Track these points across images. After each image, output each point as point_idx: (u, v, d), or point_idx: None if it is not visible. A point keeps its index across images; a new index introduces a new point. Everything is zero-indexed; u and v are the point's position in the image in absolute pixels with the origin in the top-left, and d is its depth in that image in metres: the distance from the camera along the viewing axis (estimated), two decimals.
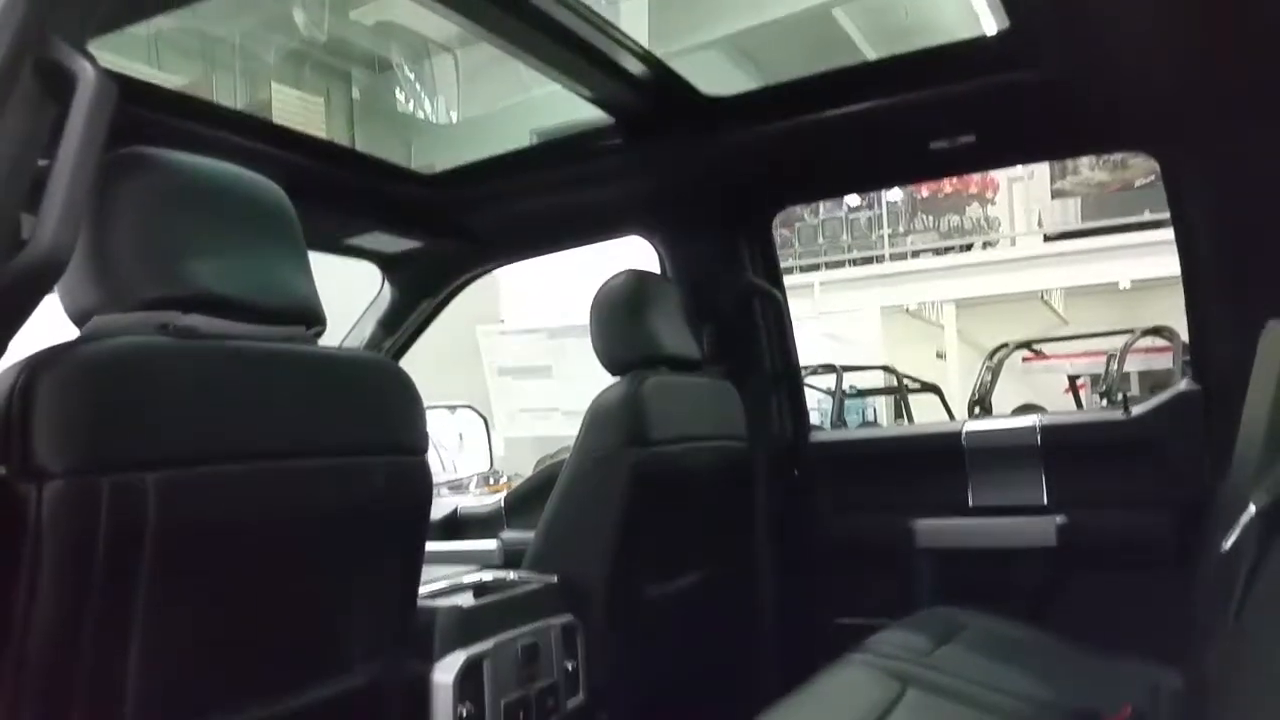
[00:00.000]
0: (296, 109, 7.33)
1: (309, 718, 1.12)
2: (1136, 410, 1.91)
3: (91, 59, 0.85)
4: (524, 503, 2.44)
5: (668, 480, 1.75)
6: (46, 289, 0.85)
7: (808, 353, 2.39)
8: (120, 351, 0.93)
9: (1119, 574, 1.86)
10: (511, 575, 1.67)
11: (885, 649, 1.54)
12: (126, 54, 5.00)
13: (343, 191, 2.06)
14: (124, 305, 0.98)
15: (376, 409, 1.20)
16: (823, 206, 10.67)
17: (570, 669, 1.57)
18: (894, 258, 10.59)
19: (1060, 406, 6.85)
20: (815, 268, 10.44)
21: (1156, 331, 5.87)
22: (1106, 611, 1.82)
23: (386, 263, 2.52)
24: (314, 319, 1.16)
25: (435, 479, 2.71)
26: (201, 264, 1.02)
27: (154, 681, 0.94)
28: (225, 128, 1.71)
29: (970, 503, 2.01)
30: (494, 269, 2.66)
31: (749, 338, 2.22)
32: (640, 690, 1.71)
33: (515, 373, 6.73)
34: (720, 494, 1.98)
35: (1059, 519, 1.89)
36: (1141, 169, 9.41)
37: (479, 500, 2.66)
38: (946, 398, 6.55)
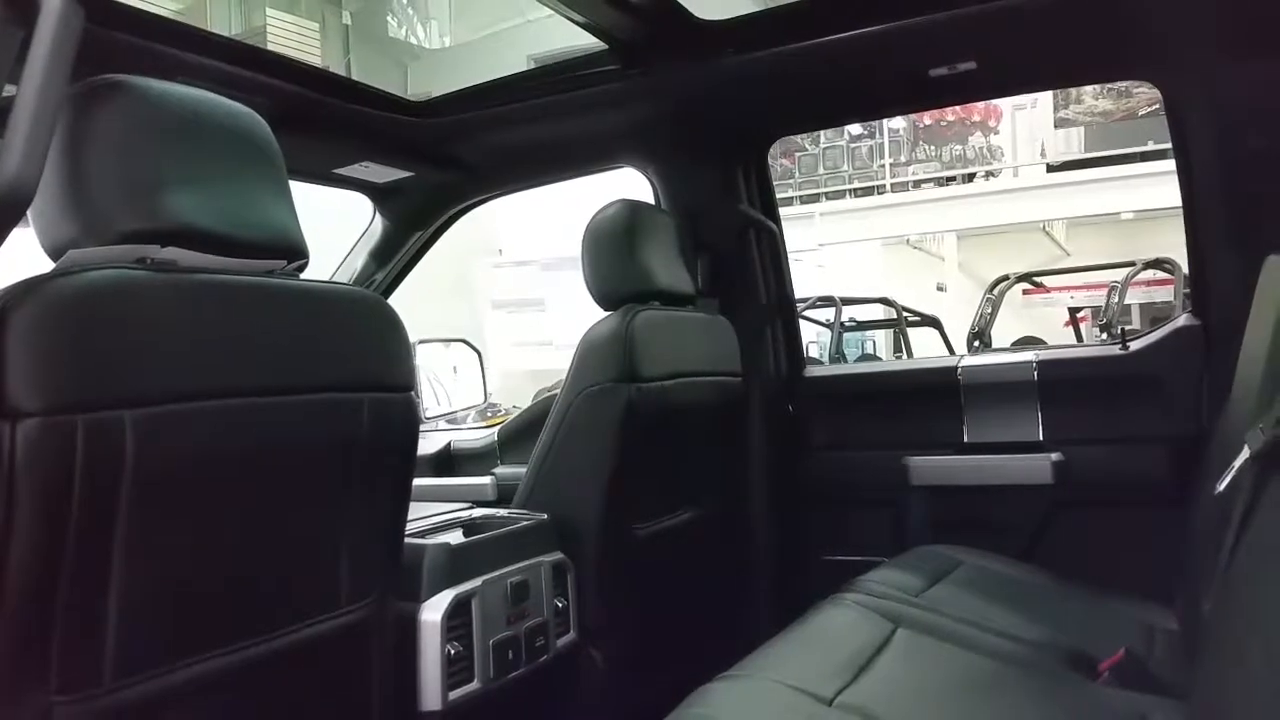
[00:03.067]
0: (291, 34, 7.17)
1: (294, 658, 1.11)
2: (1135, 345, 1.89)
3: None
4: (517, 437, 2.43)
5: (660, 417, 1.72)
6: (12, 222, 0.81)
7: (806, 285, 2.35)
8: (96, 285, 0.89)
9: (1115, 512, 1.85)
10: (501, 513, 1.66)
11: (876, 588, 1.53)
12: None
13: (331, 120, 2.00)
14: (100, 238, 0.95)
15: (361, 345, 1.17)
16: (823, 135, 10.51)
17: (560, 607, 1.57)
18: (896, 188, 10.46)
19: (1060, 339, 6.83)
20: (816, 198, 10.32)
21: (1158, 264, 5.81)
22: (1102, 551, 1.82)
23: (377, 194, 2.47)
24: (295, 252, 1.12)
25: (430, 413, 2.69)
26: (180, 196, 0.99)
27: (134, 623, 0.93)
28: (208, 53, 1.64)
29: (965, 439, 1.99)
30: (487, 200, 2.60)
31: (744, 271, 2.18)
32: (631, 628, 1.71)
33: (509, 306, 6.68)
34: (713, 430, 1.96)
35: (1055, 456, 1.88)
36: (1145, 98, 9.27)
37: (472, 435, 2.64)
38: (946, 331, 6.51)
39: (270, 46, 6.53)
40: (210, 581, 1.02)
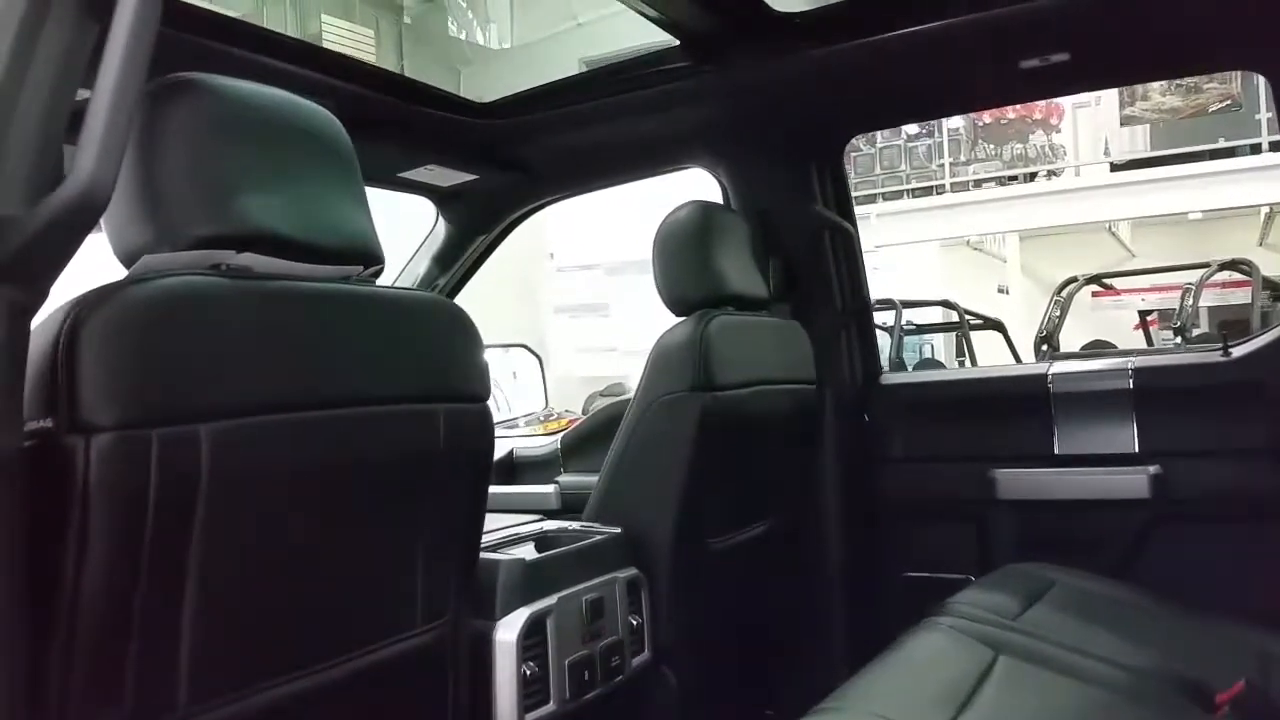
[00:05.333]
0: (346, 41, 7.24)
1: (370, 680, 1.07)
2: (1237, 351, 1.78)
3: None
4: (581, 445, 2.38)
5: (735, 426, 1.66)
6: (88, 227, 0.77)
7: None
8: (171, 293, 0.86)
9: (1218, 529, 1.75)
10: (574, 526, 1.61)
11: (970, 610, 1.45)
12: None
13: (396, 122, 1.97)
14: (175, 244, 0.91)
15: (437, 354, 1.13)
16: (880, 135, 10.34)
17: (635, 625, 1.51)
18: (955, 188, 10.26)
19: (1129, 343, 6.62)
20: (871, 199, 10.16)
21: (1234, 265, 5.62)
22: (1204, 570, 1.71)
23: (440, 197, 2.44)
24: (372, 258, 1.08)
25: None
26: (256, 199, 0.95)
27: (209, 643, 0.89)
28: (275, 54, 1.62)
29: (1054, 451, 1.89)
30: (550, 203, 2.56)
31: (818, 274, 2.10)
32: (705, 646, 1.65)
33: (572, 310, 6.64)
34: (788, 440, 1.90)
35: (1152, 469, 1.78)
36: (1218, 94, 8.99)
37: (535, 442, 2.60)
38: (1010, 334, 6.35)
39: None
40: (286, 600, 0.98)
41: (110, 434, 0.79)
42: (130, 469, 0.81)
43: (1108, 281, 6.94)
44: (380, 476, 1.06)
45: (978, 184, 10.30)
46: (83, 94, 0.79)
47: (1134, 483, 1.79)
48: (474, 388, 1.16)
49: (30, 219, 0.72)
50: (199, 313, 0.88)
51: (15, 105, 0.72)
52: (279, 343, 0.94)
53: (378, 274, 1.12)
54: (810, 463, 2.01)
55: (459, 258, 2.51)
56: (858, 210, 2.30)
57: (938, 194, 10.21)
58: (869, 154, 10.66)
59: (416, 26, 7.61)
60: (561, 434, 2.49)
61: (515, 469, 2.52)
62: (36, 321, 0.79)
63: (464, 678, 1.21)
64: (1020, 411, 1.93)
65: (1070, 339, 6.05)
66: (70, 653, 0.80)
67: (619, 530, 1.58)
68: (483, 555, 1.30)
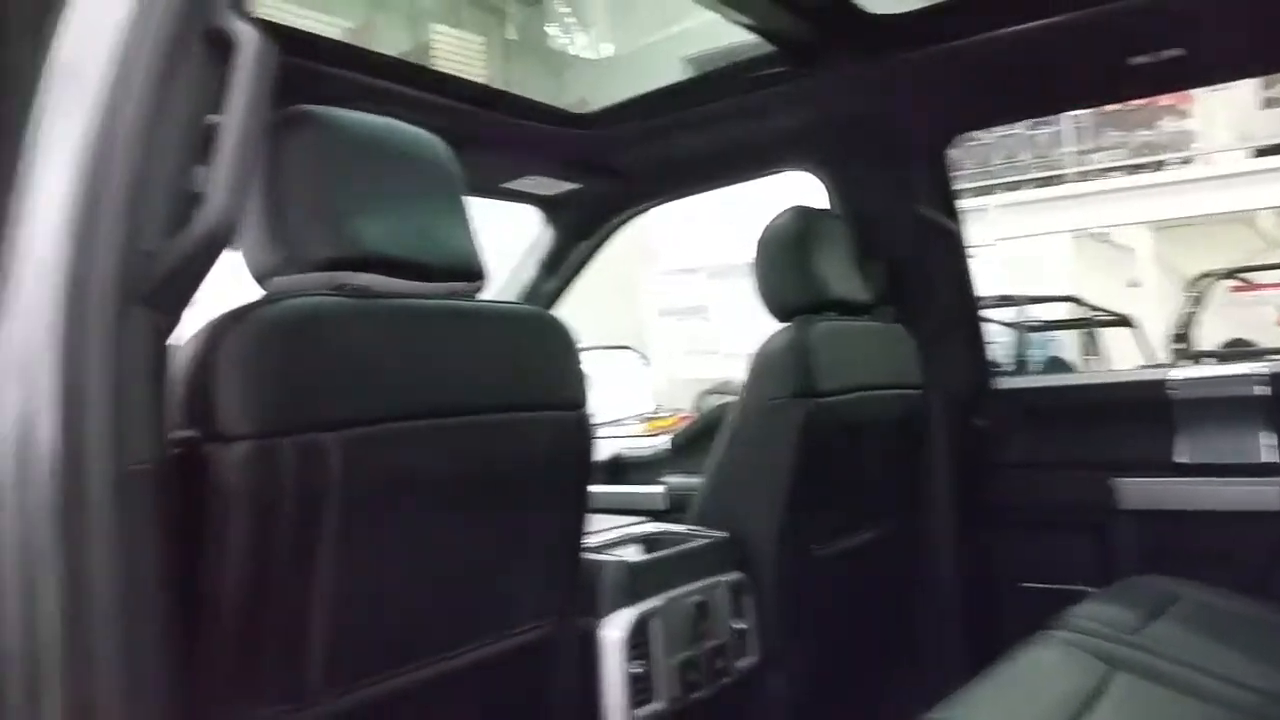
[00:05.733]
0: (455, 48, 7.42)
1: (479, 674, 1.12)
2: None
3: (253, 21, 0.83)
4: (689, 446, 2.39)
5: (839, 433, 1.65)
6: (218, 253, 0.84)
7: (983, 283, 2.19)
8: (300, 313, 0.93)
9: None
10: (679, 529, 1.63)
11: (1086, 624, 1.40)
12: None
13: (500, 135, 2.04)
14: (300, 266, 0.99)
15: (538, 364, 1.18)
16: None
17: (740, 629, 1.52)
18: (1079, 177, 9.84)
19: (1272, 341, 6.23)
20: (989, 190, 9.82)
21: None
22: None
23: (544, 205, 2.50)
24: (474, 274, 1.14)
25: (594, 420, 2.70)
26: (372, 224, 1.02)
27: (337, 638, 0.96)
28: (381, 75, 1.70)
29: (1178, 460, 1.81)
30: (651, 208, 2.59)
31: (923, 277, 2.06)
32: (810, 652, 1.64)
33: (676, 313, 6.67)
34: (893, 446, 1.87)
35: None
36: None
37: (642, 442, 2.63)
38: (1141, 331, 6.05)
39: (435, 60, 6.79)
40: (404, 598, 1.04)
41: (246, 443, 0.86)
42: (265, 475, 0.88)
43: (1248, 276, 6.55)
44: (487, 481, 1.11)
45: (1104, 173, 9.84)
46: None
47: (1265, 494, 1.69)
48: (573, 395, 1.21)
49: (170, 251, 0.79)
50: (324, 331, 0.95)
51: (154, 146, 0.78)
52: (394, 357, 1.00)
53: (480, 289, 1.17)
54: (919, 469, 1.98)
55: (562, 263, 2.57)
56: (975, 202, 2.24)
57: (1060, 184, 9.80)
58: (986, 143, 10.31)
59: (521, 34, 7.75)
60: (672, 434, 2.50)
61: (622, 469, 2.55)
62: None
63: (571, 674, 1.26)
64: (1140, 418, 1.85)
65: (1210, 336, 5.74)
66: (210, 646, 0.87)
67: (725, 534, 1.59)
68: (590, 556, 1.36)
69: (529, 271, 2.58)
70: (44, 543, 0.71)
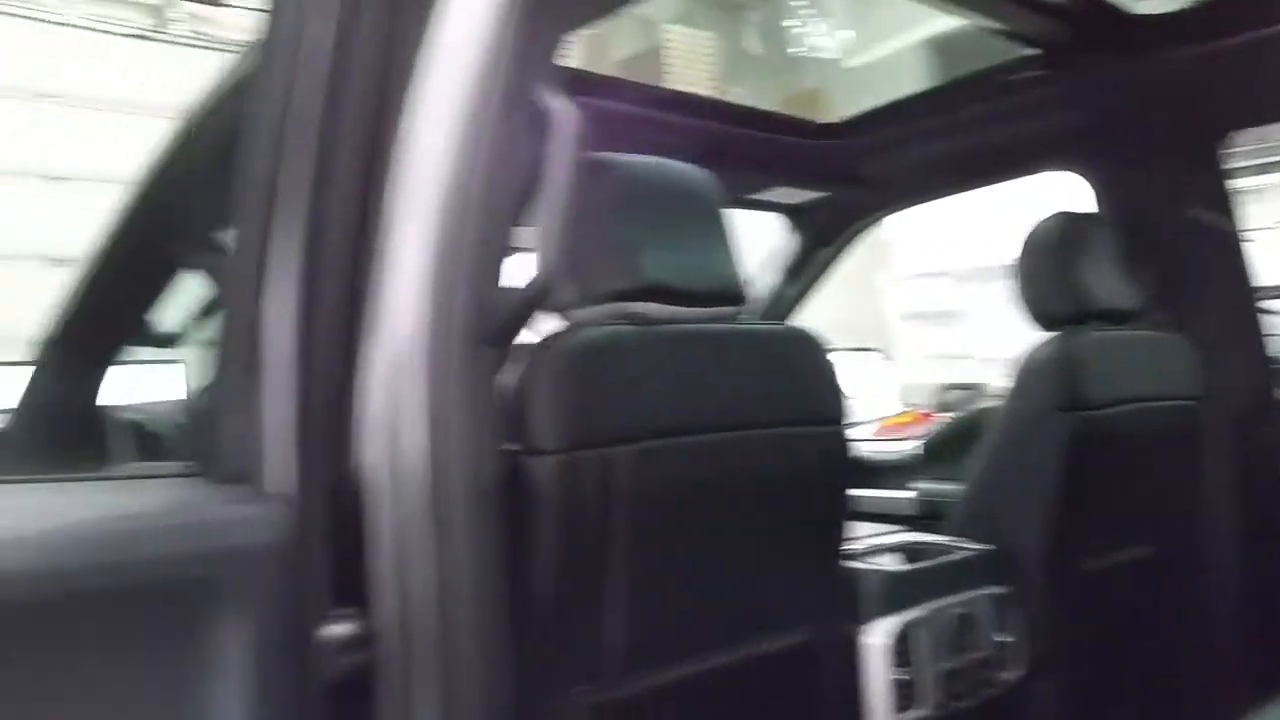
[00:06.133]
0: (688, 48, 7.55)
1: (743, 673, 1.23)
2: None
3: (562, 94, 0.94)
4: (942, 451, 2.37)
5: (1108, 447, 1.61)
6: (546, 300, 0.97)
7: (1265, 271, 2.02)
8: (595, 343, 1.08)
9: None
10: (941, 539, 1.65)
11: None
12: None
13: (747, 150, 2.12)
14: (592, 299, 1.13)
15: (800, 382, 1.27)
16: None
17: (1004, 642, 1.52)
18: None
19: None
20: (1270, 168, 8.82)
21: None
22: None
23: (787, 213, 2.56)
24: (738, 298, 1.25)
25: None
26: (651, 257, 1.15)
27: (628, 628, 1.09)
28: (648, 104, 1.83)
29: None
30: (895, 213, 2.59)
31: (1197, 281, 1.95)
32: (1081, 668, 1.61)
33: (922, 317, 6.51)
34: (1169, 461, 1.79)
35: None
36: None
37: (890, 445, 2.63)
38: None
39: (669, 62, 6.95)
40: (682, 597, 1.16)
41: (555, 456, 1.01)
42: (570, 485, 1.01)
43: None
44: (753, 491, 1.22)
45: None
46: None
47: None
48: (832, 410, 1.29)
49: (505, 299, 0.93)
50: (615, 357, 1.08)
51: (492, 208, 0.91)
52: (670, 378, 1.13)
53: (742, 311, 1.28)
54: (1198, 484, 1.88)
55: (804, 270, 2.62)
56: (1253, 181, 2.09)
57: None
58: None
59: (759, 39, 7.78)
60: (922, 438, 2.49)
61: (869, 473, 2.57)
62: None
63: (835, 678, 1.33)
64: None
65: None
66: (527, 631, 1.00)
67: (989, 547, 1.60)
68: (853, 564, 1.42)
69: (770, 278, 2.65)
70: (414, 539, 0.84)
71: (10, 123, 5.98)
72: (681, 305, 1.17)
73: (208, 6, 7.01)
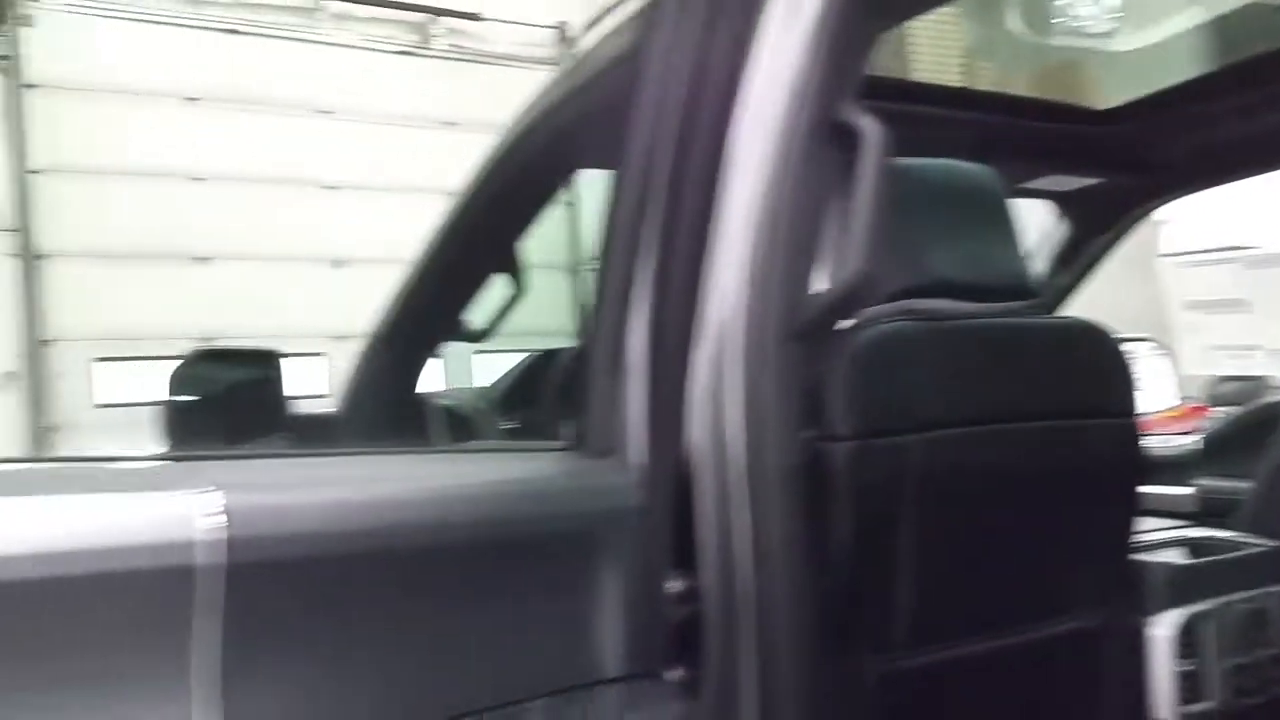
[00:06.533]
0: (934, 32, 7.35)
1: (1028, 654, 1.29)
2: None
3: (869, 112, 1.02)
4: (1224, 445, 2.27)
5: None
6: (856, 307, 1.08)
7: None
8: (888, 337, 1.18)
9: None
10: (1228, 534, 1.62)
11: None
12: None
13: (1023, 140, 2.12)
14: (880, 298, 1.22)
15: (1091, 375, 1.31)
16: None
17: None
18: None
19: None
20: None
21: None
22: None
23: (1058, 200, 2.51)
24: (1028, 293, 1.30)
25: None
26: (935, 255, 1.23)
27: (916, 604, 1.18)
28: (927, 101, 1.88)
29: None
30: (1177, 199, 2.48)
31: None
32: None
33: (1207, 306, 6.01)
34: None
35: None
36: None
37: (1168, 440, 2.53)
38: None
39: (914, 40, 6.80)
40: (968, 578, 1.24)
41: (850, 443, 1.11)
42: (864, 470, 1.12)
43: None
44: (1041, 480, 1.27)
45: None
46: None
47: None
48: (1124, 403, 1.31)
49: (815, 302, 1.03)
50: (907, 351, 1.18)
51: (803, 216, 1.02)
52: (960, 370, 1.20)
53: (1032, 305, 1.31)
54: None
55: (1078, 257, 2.55)
56: None
57: None
58: None
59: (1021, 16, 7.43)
60: (1203, 433, 2.39)
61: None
62: None
63: (1119, 666, 1.37)
64: None
65: None
66: (825, 601, 1.11)
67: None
68: (1138, 557, 1.44)
69: (1043, 263, 2.61)
70: (733, 509, 0.96)
71: (293, 138, 6.78)
72: (970, 300, 1.24)
73: (466, 21, 7.58)
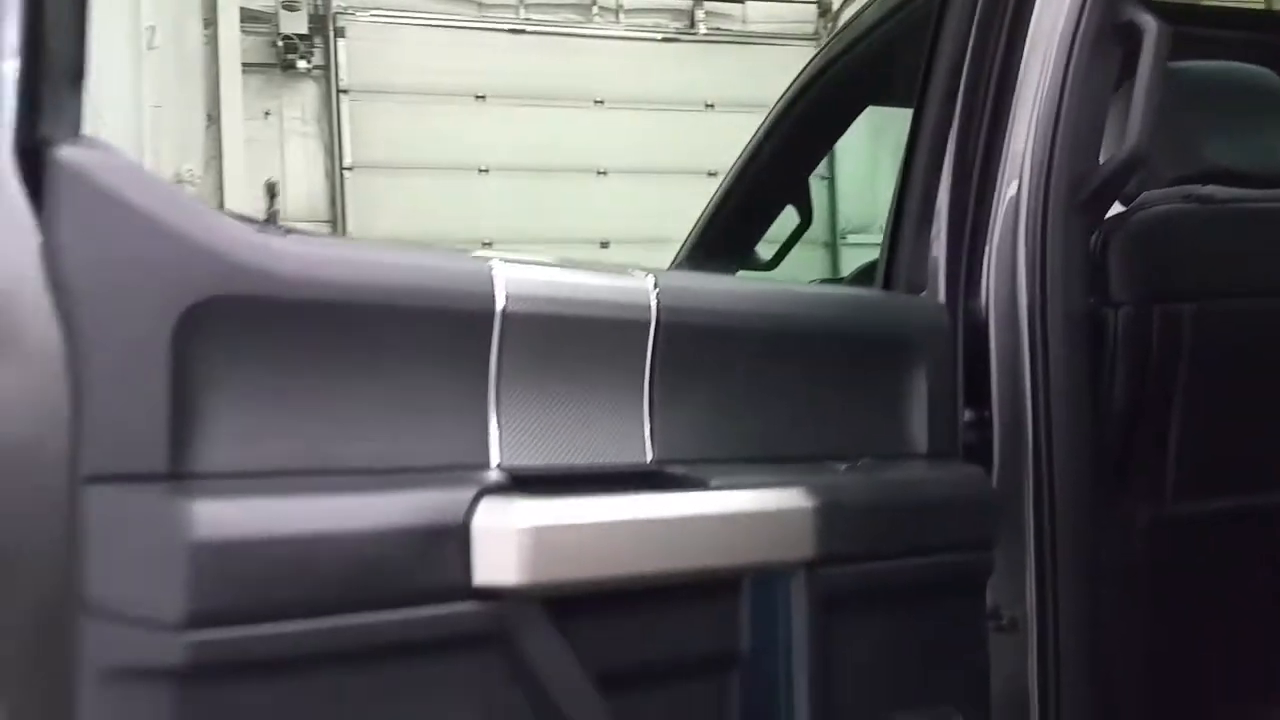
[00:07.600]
0: None
1: None
2: None
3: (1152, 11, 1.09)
4: None
5: None
6: (1132, 177, 1.14)
7: None
8: (1166, 215, 1.28)
9: None
10: None
11: None
12: None
13: None
14: (1158, 183, 1.28)
15: None
16: None
17: None
18: None
19: None
20: None
21: None
22: None
23: None
24: None
25: None
26: (1213, 145, 1.29)
27: (1183, 465, 1.27)
28: (1212, 24, 1.92)
29: None
30: None
31: None
32: None
33: None
34: None
35: None
36: None
37: None
38: None
39: None
40: (1237, 436, 1.31)
41: (1128, 308, 1.21)
42: (1139, 333, 1.21)
43: None
44: None
45: None
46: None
47: None
48: None
49: (1097, 173, 1.12)
50: (1183, 228, 1.29)
51: (1086, 97, 1.12)
52: (1233, 248, 1.30)
53: None
54: None
55: None
56: None
57: None
58: None
59: None
60: None
61: None
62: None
63: None
64: None
65: None
66: (1104, 450, 1.19)
67: None
68: None
69: None
70: (1020, 355, 1.09)
71: (568, 128, 7.11)
72: (1246, 187, 1.30)
73: (728, 3, 7.63)
